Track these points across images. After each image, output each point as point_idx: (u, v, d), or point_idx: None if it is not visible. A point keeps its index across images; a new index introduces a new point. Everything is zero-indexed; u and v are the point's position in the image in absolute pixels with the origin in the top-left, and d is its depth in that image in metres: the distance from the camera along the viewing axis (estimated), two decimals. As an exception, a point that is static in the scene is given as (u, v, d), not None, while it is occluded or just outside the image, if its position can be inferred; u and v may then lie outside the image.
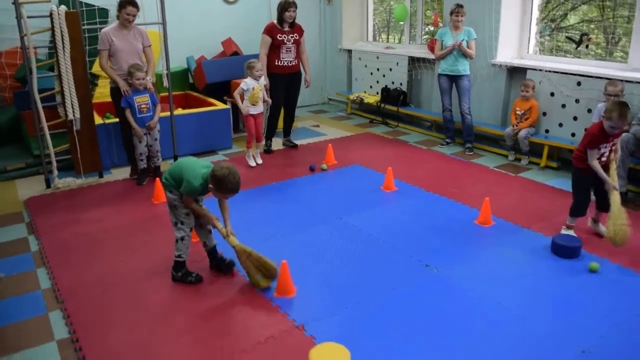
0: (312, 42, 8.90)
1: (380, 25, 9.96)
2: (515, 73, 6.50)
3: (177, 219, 3.46)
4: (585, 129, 5.58)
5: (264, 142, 6.39)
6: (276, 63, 6.22)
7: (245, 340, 2.98)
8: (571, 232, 4.15)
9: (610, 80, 5.15)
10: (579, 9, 7.32)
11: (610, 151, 4.00)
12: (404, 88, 7.88)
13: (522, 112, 6.03)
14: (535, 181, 5.50)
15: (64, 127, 5.38)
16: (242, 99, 5.83)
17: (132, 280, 3.62)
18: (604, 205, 4.07)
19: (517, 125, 6.04)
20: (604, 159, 3.99)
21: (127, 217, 4.66)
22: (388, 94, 7.98)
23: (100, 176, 5.66)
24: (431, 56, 7.16)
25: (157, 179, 5.13)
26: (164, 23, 5.71)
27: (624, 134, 4.63)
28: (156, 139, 5.42)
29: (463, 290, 3.46)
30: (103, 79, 6.61)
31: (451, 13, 6.31)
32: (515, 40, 6.66)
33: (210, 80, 7.08)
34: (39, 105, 5.07)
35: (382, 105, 8.03)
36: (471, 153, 6.48)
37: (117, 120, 5.61)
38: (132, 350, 2.91)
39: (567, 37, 6.55)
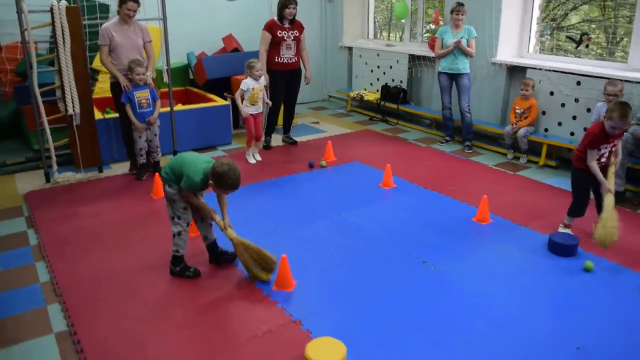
0: (312, 39, 8.91)
1: (382, 23, 9.96)
2: (515, 72, 6.51)
3: (175, 214, 3.48)
4: (585, 129, 5.63)
5: (263, 139, 6.41)
6: (276, 60, 6.23)
7: (242, 334, 3.00)
8: (568, 231, 4.16)
9: (610, 80, 5.15)
10: (580, 8, 7.32)
11: (610, 152, 3.99)
12: (404, 86, 7.89)
13: (522, 110, 6.04)
14: (534, 180, 5.51)
15: (63, 122, 5.39)
16: (242, 99, 5.84)
17: (131, 274, 3.63)
18: (602, 207, 4.05)
19: (516, 124, 6.05)
20: (603, 159, 3.98)
21: (126, 212, 4.68)
22: (388, 92, 7.99)
23: (100, 171, 5.68)
24: (431, 54, 7.17)
25: (157, 174, 5.15)
26: (164, 19, 5.72)
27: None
28: (156, 134, 5.43)
29: (460, 287, 3.48)
30: (103, 74, 6.63)
31: (452, 11, 6.32)
32: (516, 39, 6.67)
33: (211, 76, 7.09)
34: (39, 99, 5.08)
35: (382, 102, 8.04)
36: (470, 151, 6.49)
37: (117, 115, 5.62)
38: (129, 343, 2.93)
39: (567, 37, 6.56)
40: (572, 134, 5.83)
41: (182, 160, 3.41)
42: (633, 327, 3.08)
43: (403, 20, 8.37)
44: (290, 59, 6.30)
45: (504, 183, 5.42)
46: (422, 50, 7.70)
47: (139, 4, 5.21)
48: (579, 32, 6.53)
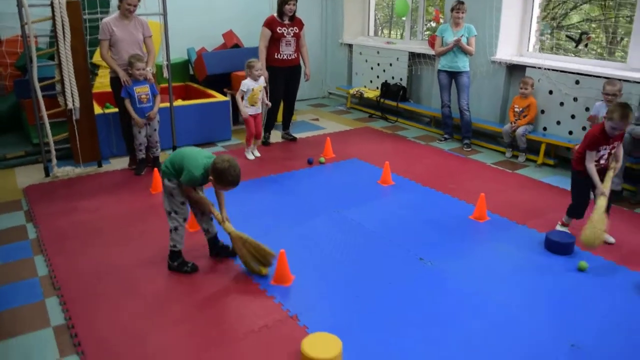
0: (313, 36, 8.92)
1: (383, 20, 9.96)
2: (515, 70, 6.52)
3: (172, 208, 3.49)
4: (584, 128, 5.65)
5: (262, 135, 6.42)
6: (276, 56, 6.24)
7: (239, 329, 3.02)
8: (565, 230, 4.18)
9: (609, 79, 5.16)
10: (581, 7, 7.33)
11: (610, 154, 3.97)
12: (404, 83, 7.89)
13: (521, 109, 6.06)
14: (532, 178, 5.53)
15: (63, 116, 5.40)
16: (242, 99, 5.86)
17: (129, 269, 3.65)
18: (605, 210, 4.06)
19: (515, 123, 6.06)
20: (602, 161, 3.96)
21: (125, 207, 4.69)
22: (388, 89, 8.00)
23: (99, 166, 5.69)
24: (431, 52, 7.18)
25: (156, 169, 5.17)
26: (164, 14, 5.72)
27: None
28: (155, 130, 5.44)
29: (456, 284, 3.49)
30: (103, 69, 6.63)
31: (452, 9, 6.33)
32: (516, 37, 6.67)
33: (211, 72, 7.10)
34: (39, 93, 5.08)
35: (382, 100, 8.05)
36: (469, 149, 6.50)
37: (116, 110, 5.62)
38: (127, 337, 2.95)
39: (567, 36, 6.57)
40: (570, 132, 5.84)
41: (183, 154, 3.42)
42: (628, 325, 3.10)
43: (404, 18, 8.38)
44: (290, 55, 6.31)
45: (502, 181, 5.43)
46: (422, 48, 7.70)
47: (139, -1, 5.22)
48: (578, 31, 6.53)
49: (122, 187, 5.14)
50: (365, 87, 8.61)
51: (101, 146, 5.71)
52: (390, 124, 7.79)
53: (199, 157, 3.37)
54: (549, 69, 5.96)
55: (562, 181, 5.41)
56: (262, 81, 5.91)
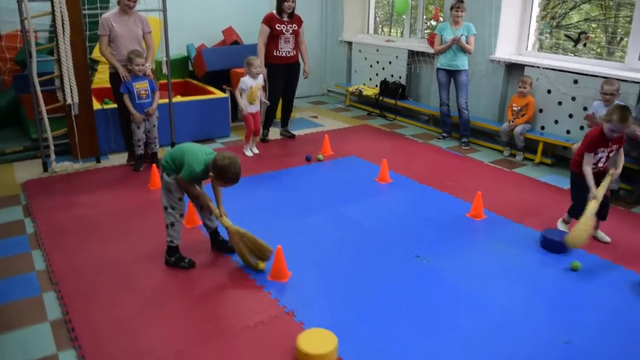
0: (312, 33, 8.92)
1: (383, 18, 9.97)
2: (513, 69, 6.53)
3: (169, 204, 3.50)
4: (581, 127, 5.66)
5: (261, 132, 6.43)
6: (275, 53, 6.25)
7: (235, 324, 3.03)
8: (566, 227, 4.17)
9: (607, 79, 5.17)
10: (581, 7, 7.34)
11: (607, 158, 3.96)
12: (403, 81, 7.90)
13: (519, 108, 6.07)
14: (529, 177, 5.54)
15: (62, 112, 5.41)
16: (242, 96, 5.87)
17: (126, 264, 3.66)
18: (602, 213, 4.03)
19: (513, 121, 6.08)
20: (600, 164, 3.96)
21: (123, 202, 4.70)
22: (387, 87, 8.01)
23: (98, 161, 5.70)
24: (431, 50, 7.19)
25: (154, 165, 5.18)
26: (164, 10, 5.72)
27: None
28: (154, 126, 5.45)
29: (451, 281, 3.51)
30: (103, 65, 6.64)
31: (451, 8, 6.33)
32: (515, 36, 6.68)
33: (210, 68, 7.11)
34: (38, 89, 5.08)
35: (381, 98, 8.06)
36: (467, 147, 6.52)
37: (115, 106, 5.63)
38: (123, 331, 2.96)
39: (566, 35, 6.58)
40: (568, 132, 5.86)
41: (183, 150, 3.43)
42: (623, 323, 3.12)
43: (404, 16, 8.38)
44: (289, 52, 6.32)
45: (499, 180, 5.45)
46: (422, 46, 7.71)
47: (139, -5, 5.22)
48: (578, 30, 6.55)
49: (121, 183, 5.15)
50: (364, 84, 8.62)
51: (100, 142, 5.72)
52: (388, 122, 7.80)
53: (199, 153, 3.38)
54: (547, 68, 5.97)
55: (560, 180, 5.43)
56: (260, 79, 5.92)
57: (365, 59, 8.54)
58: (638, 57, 5.59)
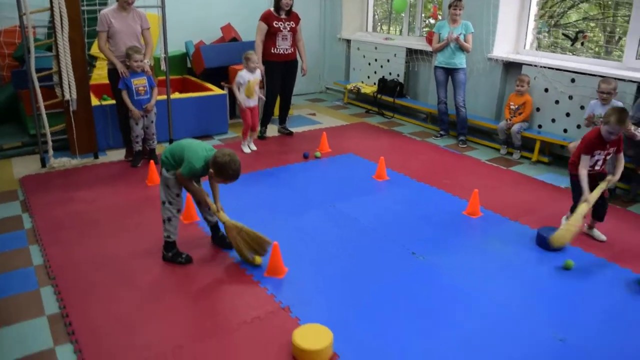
0: (311, 31, 8.93)
1: (382, 16, 9.98)
2: (511, 68, 6.55)
3: (167, 199, 3.52)
4: (578, 126, 5.68)
5: (259, 129, 6.45)
6: (272, 51, 6.26)
7: (232, 320, 3.05)
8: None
9: (604, 78, 5.19)
10: (580, 6, 7.36)
11: (604, 161, 3.97)
12: (401, 79, 7.92)
13: (516, 106, 6.09)
14: (526, 175, 5.56)
15: (60, 107, 5.42)
16: (240, 91, 5.88)
17: (123, 259, 3.68)
18: (599, 214, 4.05)
19: (510, 120, 6.10)
20: (597, 167, 3.96)
21: (120, 198, 4.71)
22: (385, 85, 8.02)
23: (96, 157, 5.71)
24: (429, 48, 7.20)
25: (152, 161, 5.19)
26: (163, 6, 5.73)
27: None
28: (152, 122, 5.45)
29: (447, 278, 3.53)
30: (101, 61, 6.64)
31: (450, 6, 6.34)
32: (513, 35, 6.70)
33: (209, 65, 7.11)
34: (37, 84, 5.09)
35: (379, 95, 8.07)
36: (464, 146, 6.54)
37: (113, 102, 5.64)
38: (120, 326, 2.98)
39: (563, 34, 6.59)
40: (565, 130, 5.88)
41: (183, 146, 3.45)
42: (617, 321, 3.15)
43: (403, 14, 8.39)
44: (287, 49, 6.32)
45: (496, 178, 5.47)
46: (420, 44, 7.72)
47: (138, -9, 5.23)
48: (575, 29, 6.56)
49: (119, 179, 5.16)
50: (362, 82, 8.64)
51: (98, 138, 5.73)
52: (386, 120, 7.82)
53: (199, 149, 3.40)
54: (545, 67, 5.99)
55: (556, 178, 5.46)
56: (258, 74, 5.93)
57: (364, 56, 8.55)
58: (635, 56, 5.61)
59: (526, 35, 6.66)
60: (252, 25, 6.42)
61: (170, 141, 6.10)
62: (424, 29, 8.23)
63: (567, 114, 5.84)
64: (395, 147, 6.42)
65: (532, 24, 6.62)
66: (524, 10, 6.58)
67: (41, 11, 5.29)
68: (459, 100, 6.47)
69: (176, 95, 6.53)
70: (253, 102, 5.94)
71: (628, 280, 3.56)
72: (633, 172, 4.99)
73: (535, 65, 6.06)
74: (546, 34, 6.77)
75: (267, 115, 6.62)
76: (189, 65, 7.72)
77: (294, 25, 6.30)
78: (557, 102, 5.92)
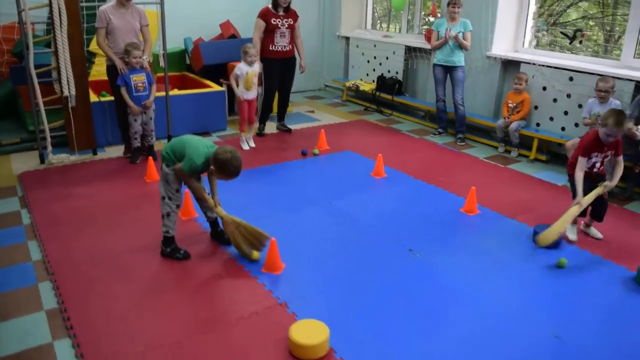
0: (310, 28, 8.94)
1: (382, 13, 9.98)
2: (510, 66, 6.56)
3: (166, 194, 3.54)
4: (576, 124, 5.70)
5: (257, 125, 6.46)
6: (270, 48, 6.26)
7: (229, 315, 3.07)
8: (574, 229, 4.09)
9: (602, 76, 5.20)
10: (579, 5, 7.36)
11: (602, 163, 3.96)
12: (400, 77, 7.93)
13: (514, 104, 6.10)
14: (524, 173, 5.58)
15: (59, 104, 5.42)
16: (237, 83, 5.89)
17: (122, 255, 3.69)
18: (598, 214, 4.05)
19: (508, 118, 6.11)
20: (595, 169, 3.95)
21: (119, 194, 4.73)
22: (383, 83, 8.03)
23: (94, 153, 5.72)
24: (428, 46, 7.21)
25: (150, 157, 5.20)
26: (161, 3, 5.73)
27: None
28: (151, 118, 5.47)
29: (444, 275, 3.55)
30: (100, 57, 6.63)
31: (448, 4, 6.35)
32: (511, 33, 6.70)
33: (207, 62, 7.12)
34: (35, 80, 5.09)
35: (378, 93, 8.08)
36: (462, 143, 6.55)
37: (112, 98, 5.64)
38: (118, 321, 3.00)
39: (561, 33, 6.60)
40: (563, 129, 5.90)
41: (184, 142, 3.46)
42: (613, 318, 3.17)
43: (402, 12, 8.39)
44: (285, 47, 6.33)
45: (494, 176, 5.48)
46: (419, 42, 7.73)
47: (137, -13, 5.23)
48: (574, 28, 6.57)
49: (117, 175, 5.17)
50: (361, 80, 8.64)
51: (96, 134, 5.74)
52: (385, 117, 7.83)
53: (200, 145, 3.42)
54: (543, 65, 6.00)
55: (554, 176, 5.48)
56: (257, 66, 5.93)
57: (363, 54, 8.55)
58: (633, 54, 5.62)
59: (525, 34, 6.67)
60: (251, 22, 6.42)
61: (169, 138, 6.11)
62: (423, 27, 8.24)
63: (565, 112, 5.85)
64: (394, 145, 6.43)
65: (530, 23, 6.64)
66: (522, 9, 6.59)
67: (40, 7, 5.30)
68: (458, 98, 6.48)
69: (175, 92, 6.54)
70: (251, 95, 5.95)
71: (623, 277, 3.59)
72: (630, 170, 5.01)
73: (534, 64, 6.08)
74: (545, 33, 6.79)
75: (266, 112, 6.63)
76: (187, 62, 7.72)
77: (292, 22, 6.31)
78: (555, 100, 5.93)
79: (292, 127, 6.94)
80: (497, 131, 6.28)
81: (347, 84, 8.62)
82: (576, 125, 5.72)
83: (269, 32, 6.21)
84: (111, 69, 5.32)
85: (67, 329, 2.93)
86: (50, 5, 5.03)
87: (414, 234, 4.11)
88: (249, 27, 7.49)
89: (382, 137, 6.77)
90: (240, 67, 5.82)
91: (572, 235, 4.02)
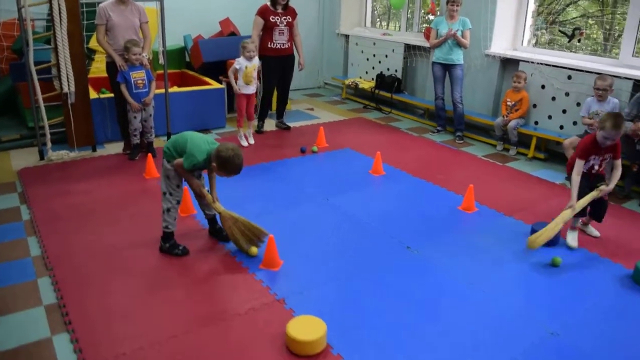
0: (309, 26, 8.95)
1: (381, 11, 9.99)
2: (509, 64, 6.57)
3: (167, 190, 3.56)
4: (575, 123, 5.71)
5: (256, 122, 6.47)
6: (269, 45, 6.27)
7: (227, 311, 3.08)
8: (575, 235, 4.01)
9: (600, 74, 5.21)
10: (579, 3, 7.37)
11: (601, 165, 3.95)
12: (399, 75, 7.94)
13: (513, 103, 6.11)
14: (522, 171, 5.59)
15: (58, 100, 5.44)
16: (236, 78, 5.90)
17: (120, 251, 3.71)
18: (598, 214, 4.06)
19: (507, 116, 6.12)
20: (593, 171, 3.95)
21: (118, 190, 4.74)
22: (383, 81, 8.05)
23: (94, 150, 5.73)
24: (426, 44, 7.22)
25: (150, 154, 5.22)
26: (161, 0, 5.74)
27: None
28: (151, 115, 5.48)
29: (441, 272, 3.56)
30: (100, 54, 6.65)
31: (447, 2, 6.36)
32: (510, 31, 6.72)
33: (207, 59, 7.13)
34: (35, 77, 5.10)
35: (377, 91, 8.09)
36: (461, 141, 6.57)
37: (112, 95, 5.66)
38: (116, 316, 3.01)
39: (560, 31, 6.61)
40: (561, 127, 5.91)
41: (186, 138, 3.48)
42: (607, 315, 3.18)
43: (402, 10, 8.40)
44: (283, 44, 6.34)
45: (492, 174, 5.50)
46: (418, 40, 7.74)
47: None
48: (573, 26, 6.58)
49: (116, 172, 5.19)
50: (360, 78, 8.66)
51: (96, 131, 5.76)
52: (384, 115, 7.85)
53: (201, 142, 3.44)
54: (542, 64, 6.01)
55: (552, 175, 5.49)
56: (256, 61, 5.94)
57: (362, 52, 8.56)
58: (632, 53, 5.64)
59: (524, 32, 6.68)
60: (251, 19, 6.43)
61: (168, 135, 6.13)
62: (422, 25, 8.25)
63: (564, 111, 5.87)
64: (393, 143, 6.45)
65: (529, 21, 6.65)
66: (521, 7, 6.60)
67: (40, 4, 5.31)
68: (456, 96, 6.49)
69: (174, 89, 6.55)
70: (250, 90, 5.96)
71: (620, 275, 3.60)
72: (628, 169, 5.02)
73: (533, 62, 6.09)
74: (544, 31, 6.79)
75: (265, 109, 6.65)
76: (187, 59, 7.73)
77: (290, 20, 6.32)
78: (553, 98, 5.95)
79: (291, 124, 6.95)
80: (495, 129, 6.30)
81: (347, 81, 8.63)
82: (574, 123, 5.74)
83: (267, 30, 6.22)
84: (111, 65, 5.33)
85: (66, 324, 2.94)
86: (50, 2, 5.04)
87: (411, 231, 4.13)
88: (248, 25, 7.48)
89: (381, 134, 6.79)
90: (240, 62, 5.83)
91: (573, 242, 3.96)
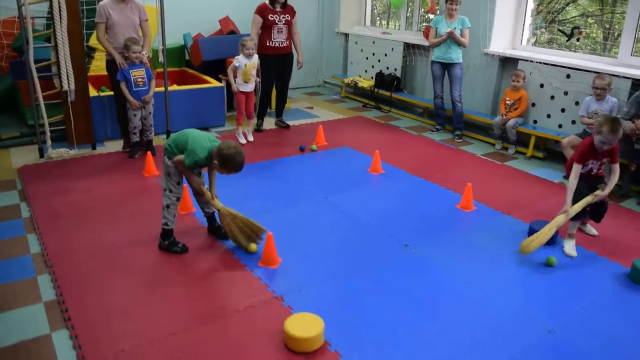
0: (309, 25, 8.96)
1: (381, 10, 9.99)
2: (507, 63, 6.58)
3: (168, 186, 3.58)
4: (573, 122, 5.73)
5: (255, 121, 6.48)
6: (268, 44, 6.28)
7: (226, 308, 3.10)
8: (572, 243, 3.92)
9: (599, 74, 5.22)
10: (578, 2, 7.37)
11: (599, 169, 3.94)
12: (398, 74, 7.95)
13: (512, 102, 6.12)
14: (521, 170, 5.61)
15: (58, 98, 5.45)
16: (235, 76, 5.91)
17: (119, 248, 3.73)
18: (598, 215, 4.05)
19: (506, 115, 6.14)
20: (592, 173, 3.94)
21: (117, 188, 4.75)
22: (382, 79, 8.06)
23: (93, 148, 5.74)
24: (426, 43, 7.23)
25: (149, 152, 5.23)
26: (161, -2, 5.76)
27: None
28: (150, 113, 5.49)
29: (439, 270, 3.58)
30: (100, 52, 6.66)
31: (446, 1, 6.37)
32: (509, 30, 6.73)
33: (206, 57, 7.14)
34: (35, 75, 5.11)
35: (376, 90, 8.10)
36: (460, 140, 6.58)
37: (112, 93, 5.67)
38: (115, 313, 3.03)
39: (559, 30, 6.62)
40: (560, 126, 5.92)
41: (187, 135, 3.49)
42: (605, 314, 3.19)
43: (401, 9, 8.41)
44: (282, 43, 6.34)
45: (491, 172, 5.51)
46: (417, 39, 7.75)
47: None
48: (572, 25, 6.59)
49: (116, 169, 5.20)
50: (360, 76, 8.67)
51: (96, 129, 5.77)
52: (383, 114, 7.86)
53: (203, 140, 3.45)
54: (541, 63, 6.02)
55: (550, 174, 5.50)
56: (255, 59, 5.95)
57: (362, 50, 8.57)
58: (631, 52, 5.65)
59: (523, 31, 6.69)
60: (250, 17, 6.44)
61: (168, 133, 6.14)
62: (422, 24, 8.26)
63: (563, 110, 5.88)
64: (392, 141, 6.46)
65: (529, 20, 6.66)
66: (520, 6, 6.62)
67: (40, 2, 5.32)
68: (455, 95, 6.51)
69: (174, 87, 6.56)
70: (249, 87, 5.97)
71: (618, 274, 3.62)
72: (625, 168, 5.04)
73: (532, 61, 6.10)
74: (543, 30, 6.80)
75: (264, 108, 6.66)
76: (187, 57, 7.74)
77: (289, 18, 6.32)
78: (552, 97, 5.96)
79: (290, 123, 6.96)
80: (494, 128, 6.31)
81: (346, 80, 8.65)
82: (573, 122, 5.75)
83: (266, 28, 6.23)
84: (111, 64, 5.34)
85: (65, 321, 2.96)
86: (50, 0, 5.05)
87: (410, 229, 4.14)
88: (248, 23, 7.47)
89: (380, 133, 6.80)
90: (239, 59, 5.84)
91: (572, 252, 3.89)
